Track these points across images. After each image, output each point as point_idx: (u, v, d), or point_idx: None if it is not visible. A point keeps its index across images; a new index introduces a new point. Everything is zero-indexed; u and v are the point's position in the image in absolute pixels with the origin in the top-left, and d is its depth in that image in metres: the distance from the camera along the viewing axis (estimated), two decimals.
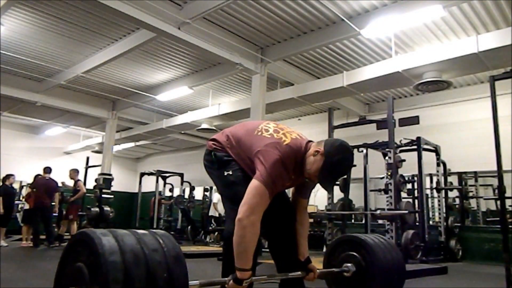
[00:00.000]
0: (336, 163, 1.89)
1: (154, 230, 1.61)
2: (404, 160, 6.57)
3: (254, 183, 1.86)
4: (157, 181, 11.44)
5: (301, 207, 2.25)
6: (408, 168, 6.89)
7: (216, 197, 11.33)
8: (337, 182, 7.38)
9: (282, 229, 2.20)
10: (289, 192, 2.40)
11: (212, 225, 10.52)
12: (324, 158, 1.89)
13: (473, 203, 8.90)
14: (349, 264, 2.48)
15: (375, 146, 7.04)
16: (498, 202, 4.20)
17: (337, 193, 7.48)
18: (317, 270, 2.21)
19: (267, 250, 7.51)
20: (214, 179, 2.23)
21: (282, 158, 1.89)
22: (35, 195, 7.93)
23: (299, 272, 2.14)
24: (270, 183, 1.84)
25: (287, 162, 1.90)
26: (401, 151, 6.86)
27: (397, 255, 2.62)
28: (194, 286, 1.66)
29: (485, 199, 8.80)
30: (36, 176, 8.52)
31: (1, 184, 8.21)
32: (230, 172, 2.09)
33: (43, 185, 7.97)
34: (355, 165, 7.33)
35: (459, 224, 7.65)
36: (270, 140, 1.96)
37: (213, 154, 2.17)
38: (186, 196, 12.02)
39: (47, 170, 8.24)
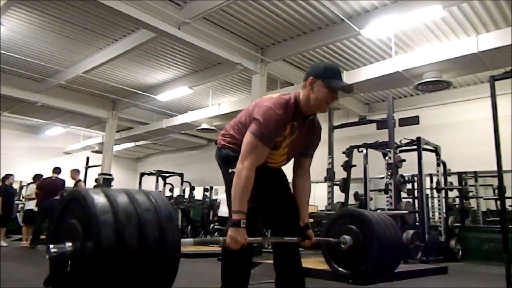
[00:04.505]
0: (325, 69, 2.03)
1: (147, 190, 1.66)
2: (404, 160, 6.56)
3: (245, 136, 1.97)
4: (157, 181, 11.43)
5: (303, 170, 2.25)
6: (408, 168, 6.89)
7: (222, 196, 11.31)
8: (337, 182, 7.37)
9: (284, 223, 2.20)
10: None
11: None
12: (316, 79, 2.00)
13: (473, 203, 8.88)
14: (347, 237, 2.48)
15: (375, 146, 7.04)
16: (498, 202, 4.20)
17: (337, 193, 7.48)
18: (314, 238, 2.23)
19: (268, 250, 7.46)
20: (223, 176, 2.24)
21: (272, 107, 1.97)
22: (40, 195, 7.90)
23: (295, 238, 2.16)
24: (259, 131, 1.92)
25: (277, 108, 1.98)
26: (401, 151, 6.85)
27: (396, 233, 2.62)
28: (188, 244, 1.75)
29: (485, 199, 8.79)
30: (35, 176, 8.51)
31: (0, 184, 8.20)
32: (235, 170, 2.10)
33: (48, 185, 7.93)
34: (355, 165, 7.37)
35: (459, 224, 7.64)
36: (262, 100, 2.10)
37: (221, 151, 2.20)
38: (186, 196, 12.02)
39: (57, 170, 8.18)
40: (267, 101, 2.03)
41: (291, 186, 2.31)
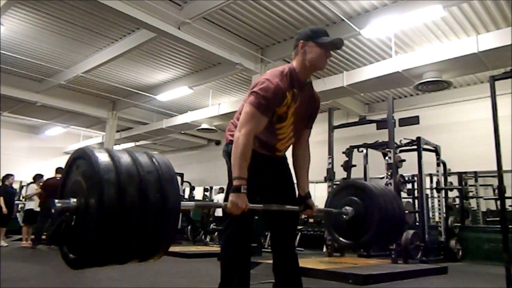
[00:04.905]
0: (312, 30, 2.12)
1: (151, 152, 1.71)
2: (404, 160, 6.56)
3: (244, 107, 2.01)
4: None
5: (302, 140, 2.27)
6: (408, 168, 6.89)
7: (218, 197, 11.31)
8: (337, 182, 7.38)
9: (284, 222, 2.20)
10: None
11: None
12: (306, 41, 2.09)
13: (473, 203, 8.88)
14: (348, 208, 2.49)
15: (375, 146, 7.04)
16: (498, 202, 4.20)
17: None
18: (315, 208, 2.25)
19: (268, 250, 7.44)
20: (228, 173, 2.20)
21: (267, 78, 2.01)
22: (44, 195, 7.90)
23: (297, 207, 2.17)
24: (256, 101, 1.95)
25: (273, 78, 2.01)
26: (401, 151, 6.85)
27: (399, 206, 2.61)
28: (189, 206, 1.76)
29: (485, 199, 8.78)
30: (36, 176, 8.50)
31: (0, 184, 8.20)
32: None
33: (52, 185, 7.92)
34: (355, 165, 7.37)
35: (459, 224, 7.64)
36: (257, 78, 2.12)
37: (228, 146, 2.18)
38: (186, 196, 12.03)
39: (60, 170, 8.21)
40: (262, 77, 2.07)
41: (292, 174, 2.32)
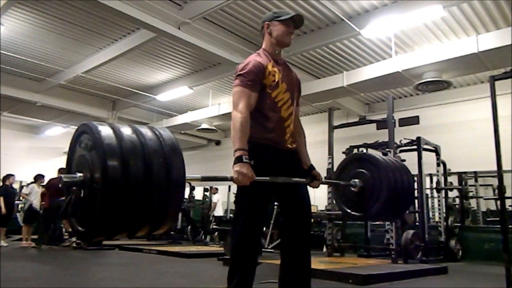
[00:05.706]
0: (273, 12, 2.31)
1: (151, 125, 1.76)
2: (404, 160, 6.55)
3: (232, 91, 2.12)
4: None
5: (294, 116, 2.31)
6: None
7: (216, 196, 11.34)
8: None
9: (295, 218, 2.18)
10: None
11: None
12: (270, 22, 2.27)
13: (473, 203, 8.89)
14: (357, 180, 2.51)
15: (375, 146, 7.03)
16: (498, 202, 4.20)
17: None
18: (322, 177, 2.31)
19: (268, 250, 7.41)
20: None
21: (244, 62, 2.17)
22: (48, 195, 7.90)
23: (304, 180, 2.20)
24: (240, 80, 2.08)
25: (249, 59, 2.17)
26: (401, 151, 6.85)
27: (407, 177, 2.61)
28: (195, 179, 1.88)
29: (485, 199, 8.78)
30: (37, 176, 8.51)
31: (1, 184, 8.20)
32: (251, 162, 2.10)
33: (56, 185, 7.92)
34: None
35: (459, 224, 7.64)
36: None
37: None
38: (186, 196, 12.01)
39: (62, 170, 8.21)
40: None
41: None
